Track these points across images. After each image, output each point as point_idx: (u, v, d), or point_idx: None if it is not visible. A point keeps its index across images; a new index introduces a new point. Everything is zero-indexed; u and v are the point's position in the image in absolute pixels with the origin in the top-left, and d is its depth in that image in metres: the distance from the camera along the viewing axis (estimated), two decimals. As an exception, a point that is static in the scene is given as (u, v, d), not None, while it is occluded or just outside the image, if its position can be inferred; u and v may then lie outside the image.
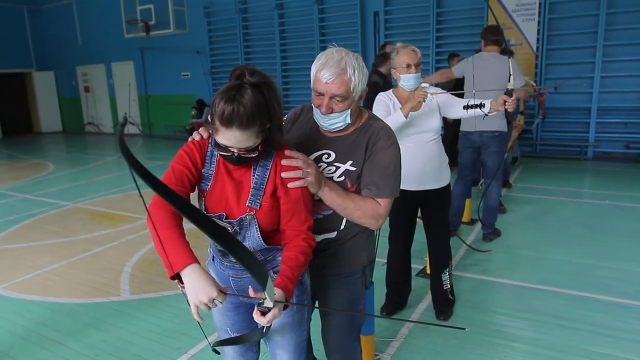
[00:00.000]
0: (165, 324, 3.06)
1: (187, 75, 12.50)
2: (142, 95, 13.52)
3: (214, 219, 1.46)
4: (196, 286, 1.25)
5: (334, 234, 1.68)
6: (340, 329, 1.79)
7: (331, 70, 1.50)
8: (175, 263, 1.27)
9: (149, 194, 0.99)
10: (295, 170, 1.47)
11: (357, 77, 1.53)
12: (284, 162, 1.46)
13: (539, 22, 7.96)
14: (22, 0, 14.39)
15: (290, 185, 1.46)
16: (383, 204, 1.61)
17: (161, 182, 0.89)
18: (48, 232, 5.04)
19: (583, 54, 7.84)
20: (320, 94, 1.54)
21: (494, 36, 4.15)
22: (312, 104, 1.61)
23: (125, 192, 6.72)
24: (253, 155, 1.40)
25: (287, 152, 1.48)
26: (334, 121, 1.58)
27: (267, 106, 1.36)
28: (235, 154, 1.37)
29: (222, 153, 1.39)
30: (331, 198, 1.55)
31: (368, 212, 1.58)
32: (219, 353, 1.42)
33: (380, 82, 5.37)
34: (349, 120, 1.59)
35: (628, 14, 7.37)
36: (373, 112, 2.65)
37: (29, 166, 9.27)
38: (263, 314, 1.27)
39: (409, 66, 2.64)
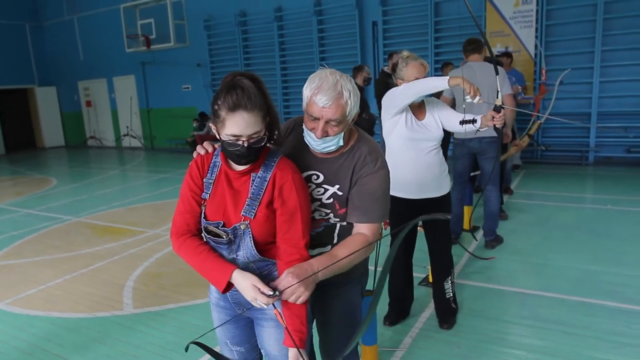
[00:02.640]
0: (169, 337, 3.06)
1: (188, 88, 12.59)
2: (143, 108, 13.60)
3: (212, 226, 1.50)
4: (242, 289, 1.43)
5: (328, 248, 1.67)
6: (337, 340, 1.78)
7: (327, 95, 1.47)
8: (219, 279, 1.45)
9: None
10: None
11: (353, 101, 1.51)
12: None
13: (536, 28, 8.00)
14: (24, 17, 14.56)
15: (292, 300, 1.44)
16: (370, 231, 1.58)
17: None
18: (51, 247, 5.05)
19: (581, 59, 7.87)
20: (316, 118, 1.52)
21: (470, 45, 4.21)
22: (304, 126, 1.59)
23: (127, 206, 6.73)
24: (261, 145, 1.43)
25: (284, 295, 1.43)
26: (328, 144, 1.56)
27: (263, 96, 1.42)
28: (245, 145, 1.40)
29: (231, 149, 1.41)
30: (327, 273, 1.48)
31: (360, 250, 1.53)
32: (186, 351, 1.48)
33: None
34: (341, 143, 1.58)
35: (625, 19, 7.40)
36: (405, 88, 2.58)
37: (32, 181, 9.31)
38: None
39: (417, 80, 2.64)
